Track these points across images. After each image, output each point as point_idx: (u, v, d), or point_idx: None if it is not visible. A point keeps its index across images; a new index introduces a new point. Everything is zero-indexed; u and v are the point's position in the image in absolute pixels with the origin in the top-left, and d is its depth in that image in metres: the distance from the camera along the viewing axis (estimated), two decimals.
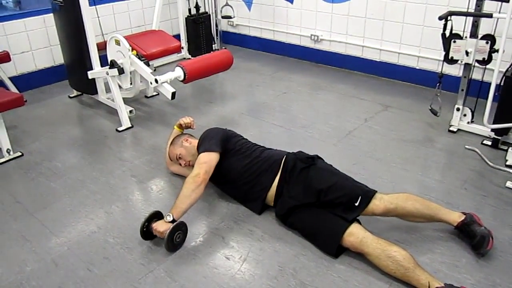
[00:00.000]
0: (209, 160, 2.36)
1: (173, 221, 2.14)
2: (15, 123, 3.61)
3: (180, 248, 2.20)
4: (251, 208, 2.46)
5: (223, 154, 2.47)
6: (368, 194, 2.16)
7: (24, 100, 3.12)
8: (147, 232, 2.21)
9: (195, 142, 2.63)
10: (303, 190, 2.24)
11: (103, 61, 3.61)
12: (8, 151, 3.09)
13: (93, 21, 3.51)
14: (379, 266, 1.97)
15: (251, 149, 2.52)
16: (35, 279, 2.05)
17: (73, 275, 2.07)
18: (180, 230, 2.17)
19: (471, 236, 2.09)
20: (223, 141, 2.49)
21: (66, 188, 2.75)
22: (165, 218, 2.16)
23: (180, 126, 2.79)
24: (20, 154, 3.15)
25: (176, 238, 2.15)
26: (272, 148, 2.59)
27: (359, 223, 2.14)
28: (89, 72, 3.62)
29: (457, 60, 3.05)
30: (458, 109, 3.19)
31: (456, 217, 2.15)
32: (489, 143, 3.04)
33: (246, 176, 2.41)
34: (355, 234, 2.03)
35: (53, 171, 2.95)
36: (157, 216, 2.23)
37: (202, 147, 2.44)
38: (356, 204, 2.13)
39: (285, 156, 2.42)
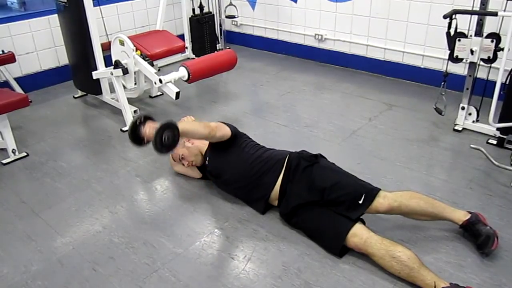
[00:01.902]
0: (220, 125, 2.46)
1: None
2: (20, 124, 3.62)
3: (171, 151, 2.14)
4: (255, 208, 2.46)
5: (230, 149, 2.48)
6: (372, 192, 2.15)
7: (29, 100, 3.14)
8: (136, 133, 2.10)
9: (197, 142, 2.64)
10: (307, 189, 2.24)
11: (108, 61, 3.62)
12: (13, 151, 3.10)
13: (98, 21, 3.51)
14: (383, 266, 1.97)
15: (254, 149, 2.51)
16: (41, 279, 2.06)
17: (78, 275, 2.07)
18: (169, 128, 2.02)
19: (476, 236, 2.08)
20: (236, 133, 2.54)
21: (71, 188, 2.76)
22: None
23: None
24: (25, 154, 3.16)
25: (165, 138, 2.00)
26: (275, 148, 2.58)
27: (363, 223, 2.14)
28: (93, 73, 3.63)
29: (462, 59, 3.03)
30: (463, 108, 3.18)
31: (461, 216, 2.14)
32: (495, 142, 3.02)
33: (247, 176, 2.40)
34: (359, 235, 2.02)
35: (58, 171, 2.96)
36: (148, 119, 2.13)
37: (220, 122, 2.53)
38: (360, 202, 2.12)
39: (288, 156, 2.41)
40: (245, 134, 2.65)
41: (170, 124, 2.04)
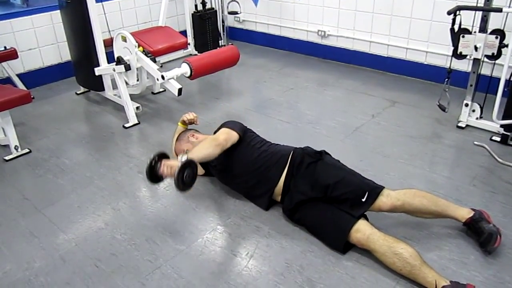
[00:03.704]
0: (228, 133, 2.42)
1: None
2: (22, 120, 3.63)
3: (190, 188, 2.14)
4: (258, 204, 2.46)
5: (234, 147, 2.47)
6: (376, 190, 2.15)
7: (32, 97, 3.13)
8: (153, 173, 2.17)
9: (201, 137, 2.64)
10: (310, 185, 2.23)
11: (110, 57, 3.62)
12: (16, 147, 3.10)
13: (100, 17, 3.50)
14: (385, 263, 1.96)
15: (259, 144, 2.52)
16: (43, 275, 2.07)
17: (80, 271, 2.08)
18: (190, 167, 2.09)
19: (479, 233, 2.07)
20: (244, 131, 2.54)
21: (73, 185, 2.76)
22: (178, 158, 2.11)
23: (183, 122, 2.79)
24: (28, 150, 3.16)
25: (186, 176, 2.07)
26: (279, 143, 2.58)
27: (367, 219, 2.13)
28: (96, 69, 3.62)
29: (466, 55, 3.01)
30: (466, 105, 3.16)
31: (465, 214, 2.13)
32: (498, 139, 3.01)
33: (252, 170, 2.40)
34: (362, 231, 2.02)
35: (60, 167, 2.96)
36: (163, 156, 2.19)
37: (224, 127, 2.50)
38: (363, 200, 2.11)
39: (292, 151, 2.41)
40: (250, 129, 2.65)
41: (188, 162, 2.09)
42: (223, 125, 2.54)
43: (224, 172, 2.55)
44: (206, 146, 2.28)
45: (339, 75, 4.37)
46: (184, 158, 2.09)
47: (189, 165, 2.09)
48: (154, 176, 2.21)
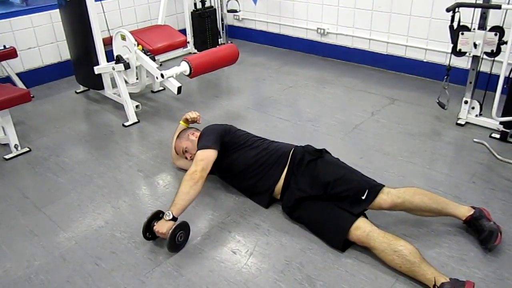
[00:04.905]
0: (206, 157, 2.33)
1: (173, 218, 2.12)
2: (22, 119, 3.63)
3: (183, 247, 2.18)
4: (259, 202, 2.46)
5: (228, 148, 2.47)
6: (375, 188, 2.15)
7: (31, 95, 3.13)
8: (149, 235, 2.20)
9: None
10: (310, 183, 2.24)
11: (109, 56, 3.62)
12: (16, 146, 3.11)
13: (99, 16, 3.51)
14: (385, 260, 1.96)
15: (258, 141, 2.52)
16: (44, 273, 2.07)
17: (80, 270, 2.08)
18: (181, 230, 2.14)
19: (479, 231, 2.07)
20: (221, 138, 2.47)
21: (73, 183, 2.77)
22: (164, 217, 2.13)
23: (186, 120, 2.79)
24: (27, 149, 3.17)
25: (178, 238, 2.13)
26: (279, 141, 2.59)
27: (366, 217, 2.14)
28: (95, 68, 3.62)
29: (465, 53, 3.02)
30: (466, 102, 3.16)
31: (465, 211, 2.13)
32: (498, 136, 3.01)
33: (254, 168, 2.41)
34: (362, 228, 2.02)
35: (60, 166, 2.97)
36: (157, 216, 2.20)
37: (199, 144, 2.43)
38: (363, 197, 2.12)
39: (293, 149, 2.41)
40: (235, 130, 2.62)
41: (177, 227, 2.11)
42: (198, 141, 2.46)
43: (225, 171, 2.55)
44: (186, 191, 2.18)
45: (338, 73, 4.37)
46: (169, 216, 2.11)
47: (179, 228, 2.12)
48: (152, 236, 2.23)
